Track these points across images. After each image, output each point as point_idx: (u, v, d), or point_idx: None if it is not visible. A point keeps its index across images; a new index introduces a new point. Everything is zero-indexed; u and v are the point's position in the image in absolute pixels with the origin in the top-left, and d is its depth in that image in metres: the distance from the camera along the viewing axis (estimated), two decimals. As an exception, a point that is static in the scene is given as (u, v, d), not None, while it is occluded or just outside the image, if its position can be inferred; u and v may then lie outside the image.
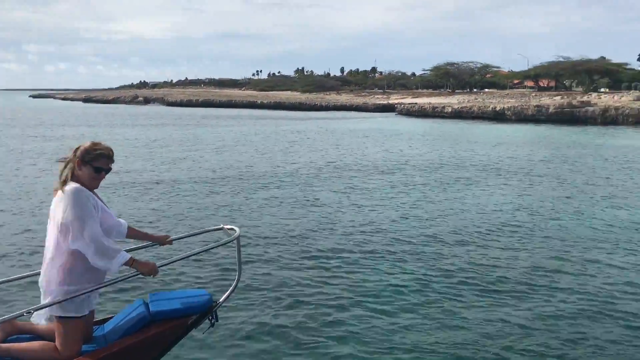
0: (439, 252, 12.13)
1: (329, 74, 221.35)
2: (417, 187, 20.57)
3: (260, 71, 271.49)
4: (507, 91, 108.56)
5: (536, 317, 8.64)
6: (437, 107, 75.08)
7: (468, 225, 14.63)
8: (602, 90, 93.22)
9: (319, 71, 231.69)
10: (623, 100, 63.49)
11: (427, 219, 15.31)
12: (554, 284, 10.13)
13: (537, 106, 63.22)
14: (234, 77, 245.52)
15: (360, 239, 13.05)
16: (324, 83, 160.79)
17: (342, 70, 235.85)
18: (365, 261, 11.39)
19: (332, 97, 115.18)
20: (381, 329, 8.16)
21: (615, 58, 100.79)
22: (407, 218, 15.45)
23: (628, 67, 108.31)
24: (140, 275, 4.80)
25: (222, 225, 5.77)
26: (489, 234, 13.72)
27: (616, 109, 58.24)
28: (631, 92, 79.08)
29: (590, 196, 18.96)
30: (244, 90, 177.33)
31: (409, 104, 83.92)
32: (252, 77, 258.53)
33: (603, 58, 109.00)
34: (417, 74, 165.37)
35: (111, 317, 5.25)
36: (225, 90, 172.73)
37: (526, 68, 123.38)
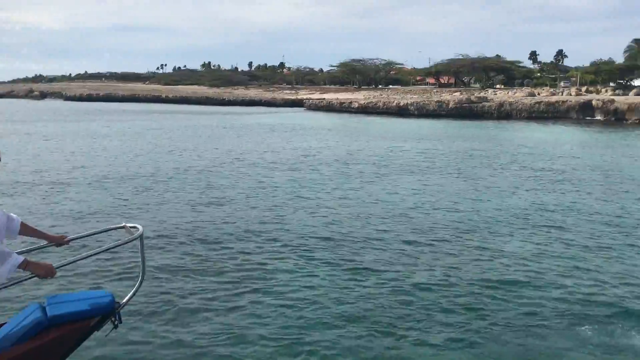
0: (341, 244, 12.36)
1: (236, 68, 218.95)
2: (325, 179, 20.84)
3: (165, 65, 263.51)
4: (410, 87, 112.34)
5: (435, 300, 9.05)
6: (344, 103, 76.41)
7: (372, 215, 15.02)
8: (498, 86, 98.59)
9: (226, 66, 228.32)
10: (516, 95, 67.50)
11: (332, 211, 15.55)
12: (452, 272, 10.62)
13: (438, 102, 65.86)
14: (137, 71, 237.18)
15: (265, 236, 13.04)
16: (232, 78, 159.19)
17: (250, 65, 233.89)
18: (268, 258, 11.41)
19: (241, 92, 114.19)
20: (278, 327, 8.22)
21: (509, 56, 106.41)
22: (313, 214, 15.60)
23: (521, 65, 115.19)
24: (36, 278, 4.55)
25: (124, 224, 5.57)
26: (384, 223, 14.15)
27: (510, 104, 61.79)
28: (523, 88, 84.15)
29: (486, 186, 20.01)
30: (147, 84, 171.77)
31: (317, 99, 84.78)
32: (156, 70, 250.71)
33: (498, 56, 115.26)
34: (325, 70, 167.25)
35: (3, 324, 4.94)
36: (129, 84, 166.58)
37: (428, 65, 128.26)
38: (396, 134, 41.84)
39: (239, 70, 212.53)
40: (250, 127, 47.44)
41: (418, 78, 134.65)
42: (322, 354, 7.37)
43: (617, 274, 10.54)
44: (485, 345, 7.69)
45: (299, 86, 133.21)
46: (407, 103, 67.83)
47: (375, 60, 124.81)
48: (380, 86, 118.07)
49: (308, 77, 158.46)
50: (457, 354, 7.48)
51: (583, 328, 8.21)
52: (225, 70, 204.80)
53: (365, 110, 70.90)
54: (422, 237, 13.01)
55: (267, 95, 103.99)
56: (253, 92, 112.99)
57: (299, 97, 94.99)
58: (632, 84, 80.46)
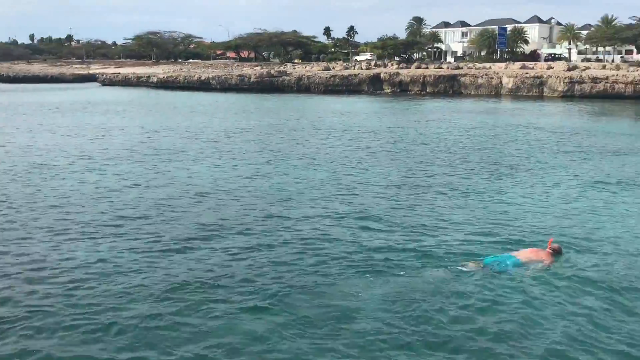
0: (153, 222, 11.95)
1: (15, 41, 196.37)
2: (122, 161, 19.84)
3: None
4: (211, 62, 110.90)
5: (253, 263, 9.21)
6: (142, 77, 73.09)
7: (178, 195, 14.73)
8: (296, 61, 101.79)
9: (2, 38, 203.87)
10: (313, 70, 70.28)
11: (134, 193, 14.91)
12: (266, 237, 10.88)
13: (240, 76, 66.09)
14: None
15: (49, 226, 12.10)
16: (10, 51, 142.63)
17: (31, 37, 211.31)
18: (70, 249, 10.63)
19: (22, 67, 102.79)
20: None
21: (305, 32, 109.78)
22: (100, 198, 14.81)
23: (316, 40, 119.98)
24: None
25: None
26: (180, 200, 14.01)
27: (308, 77, 64.23)
28: (320, 63, 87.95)
29: (289, 157, 20.70)
30: None
31: (112, 74, 79.96)
32: None
33: (295, 32, 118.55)
34: (119, 43, 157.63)
35: None
36: None
37: (227, 39, 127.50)
38: (199, 109, 41.18)
39: (19, 43, 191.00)
40: (30, 107, 43.06)
41: (218, 52, 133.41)
42: None
43: (405, 225, 11.67)
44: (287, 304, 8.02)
45: (90, 60, 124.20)
46: (209, 77, 67.02)
47: (173, 34, 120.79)
48: (180, 60, 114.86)
49: (101, 51, 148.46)
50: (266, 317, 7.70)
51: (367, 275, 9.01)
52: (1, 43, 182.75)
53: (166, 84, 68.65)
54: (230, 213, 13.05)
55: (54, 70, 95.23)
56: (37, 67, 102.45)
57: (91, 71, 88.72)
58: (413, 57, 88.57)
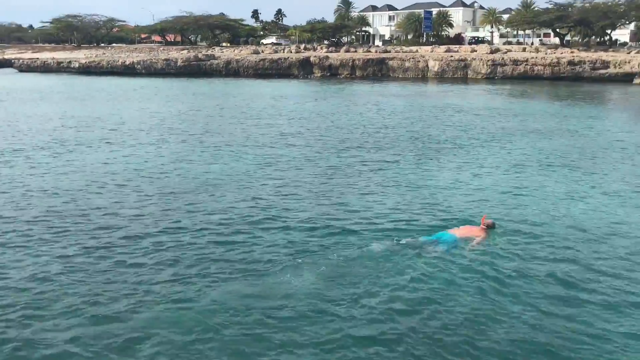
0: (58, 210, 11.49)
1: None
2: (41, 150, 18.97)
3: None
4: (135, 46, 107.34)
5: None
6: (62, 62, 69.92)
7: (84, 186, 14.25)
8: (224, 44, 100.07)
9: None
10: (242, 53, 69.35)
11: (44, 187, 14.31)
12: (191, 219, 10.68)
13: (166, 60, 64.34)
14: None
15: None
16: None
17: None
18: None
19: None
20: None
21: (233, 15, 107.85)
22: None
23: (244, 23, 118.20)
24: None
25: None
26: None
27: (237, 61, 63.33)
28: (248, 46, 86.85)
29: (216, 144, 20.40)
30: None
31: (30, 59, 76.07)
32: None
33: (222, 14, 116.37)
34: (36, 27, 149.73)
35: None
36: None
37: (152, 22, 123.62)
38: (122, 95, 39.84)
39: None
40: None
41: (143, 36, 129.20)
42: None
43: (336, 209, 11.77)
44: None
45: (4, 44, 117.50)
46: (134, 62, 64.87)
47: (94, 17, 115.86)
48: (102, 44, 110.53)
49: (16, 35, 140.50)
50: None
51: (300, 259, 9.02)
52: None
53: (88, 70, 66.02)
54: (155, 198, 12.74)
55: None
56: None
57: (7, 56, 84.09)
58: (342, 40, 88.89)
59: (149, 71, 62.60)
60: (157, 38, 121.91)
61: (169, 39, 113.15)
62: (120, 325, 7.12)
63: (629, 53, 54.95)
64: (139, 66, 63.76)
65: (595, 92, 41.21)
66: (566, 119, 26.61)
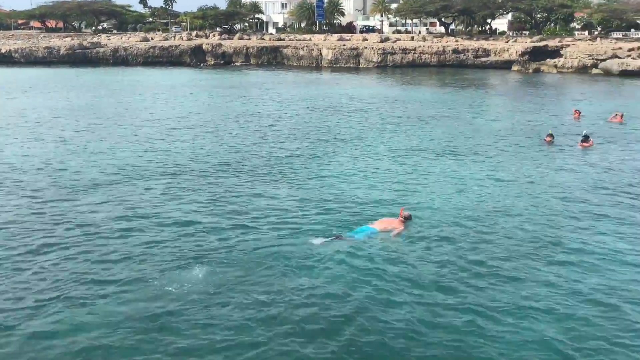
0: None
1: None
2: None
3: None
4: (12, 32, 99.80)
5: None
6: None
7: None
8: (112, 30, 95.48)
9: None
10: (130, 41, 66.55)
11: None
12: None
13: (48, 48, 60.52)
14: None
15: None
16: None
17: None
18: None
19: None
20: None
21: (119, 0, 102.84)
22: None
23: (132, 9, 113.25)
24: None
25: None
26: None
27: (125, 49, 60.74)
28: (137, 33, 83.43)
29: (103, 139, 19.57)
30: None
31: None
32: None
33: (108, 0, 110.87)
34: None
35: None
36: None
37: (30, 7, 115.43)
38: (18, 85, 37.03)
39: None
40: None
41: (20, 22, 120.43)
42: None
43: (236, 211, 11.70)
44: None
45: None
46: (11, 49, 60.40)
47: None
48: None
49: None
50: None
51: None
52: None
53: (-43, 59, 60.65)
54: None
55: None
56: None
57: None
58: (235, 28, 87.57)
59: (29, 60, 58.66)
60: (36, 24, 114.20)
61: (50, 25, 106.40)
62: None
63: (507, 42, 58.60)
64: (16, 54, 59.50)
65: (477, 79, 43.63)
66: (452, 106, 28.00)
